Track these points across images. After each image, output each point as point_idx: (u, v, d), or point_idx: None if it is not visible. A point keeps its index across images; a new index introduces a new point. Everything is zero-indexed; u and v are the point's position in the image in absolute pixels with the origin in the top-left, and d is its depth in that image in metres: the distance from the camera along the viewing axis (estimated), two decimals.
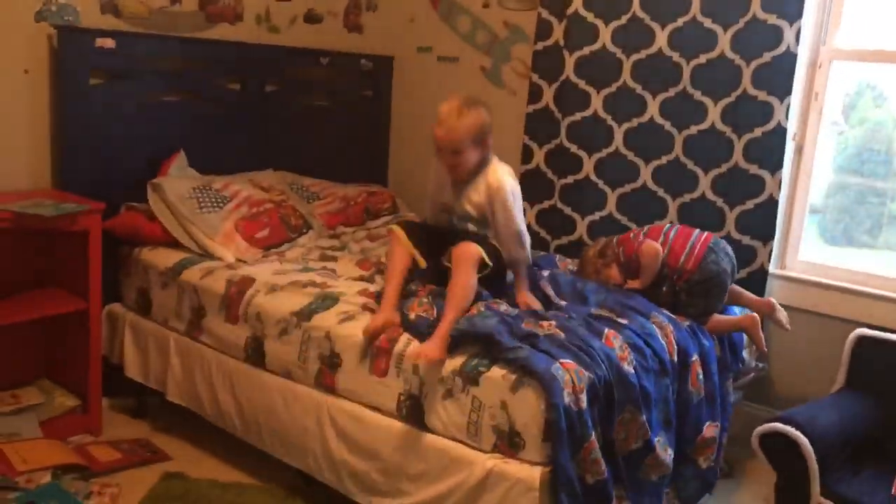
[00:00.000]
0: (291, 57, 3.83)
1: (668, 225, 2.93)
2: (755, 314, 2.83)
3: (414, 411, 2.32)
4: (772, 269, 3.17)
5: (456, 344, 2.29)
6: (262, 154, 3.71)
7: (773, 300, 2.94)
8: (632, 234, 2.93)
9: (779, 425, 2.44)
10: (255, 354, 2.70)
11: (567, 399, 2.07)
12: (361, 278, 2.92)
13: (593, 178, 3.47)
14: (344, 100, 4.11)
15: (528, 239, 2.69)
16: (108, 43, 3.12)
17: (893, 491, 2.42)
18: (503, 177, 2.61)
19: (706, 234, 2.84)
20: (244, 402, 2.73)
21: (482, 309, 2.44)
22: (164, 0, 3.38)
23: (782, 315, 2.90)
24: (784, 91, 3.00)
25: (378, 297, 2.62)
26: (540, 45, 3.57)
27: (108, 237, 3.07)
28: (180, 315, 2.96)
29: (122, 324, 3.19)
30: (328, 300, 2.64)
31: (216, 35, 3.57)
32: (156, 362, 3.07)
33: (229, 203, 3.23)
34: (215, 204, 3.19)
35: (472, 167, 2.63)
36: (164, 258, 3.08)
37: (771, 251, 3.12)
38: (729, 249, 2.84)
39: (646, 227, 2.94)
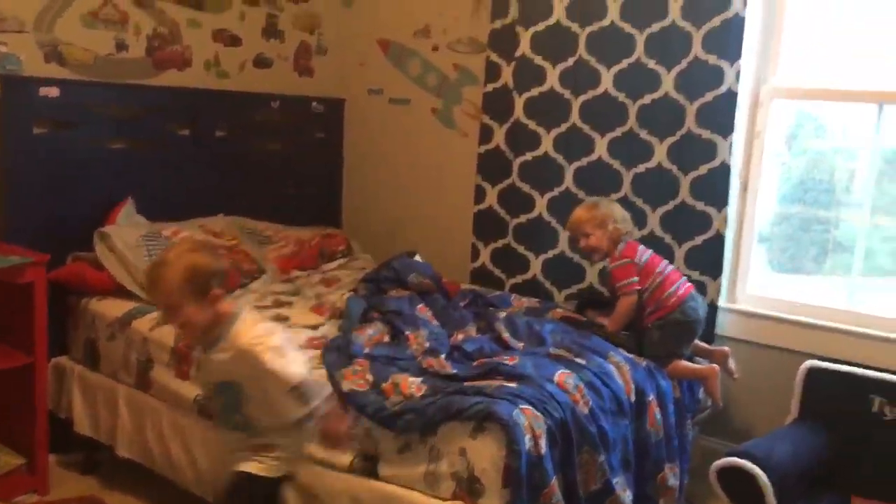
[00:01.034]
0: (241, 101, 3.81)
1: (665, 263, 2.97)
2: (716, 366, 2.87)
3: (368, 467, 2.28)
4: (722, 303, 3.22)
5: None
6: (214, 199, 3.67)
7: (728, 349, 3.00)
8: (637, 254, 2.91)
9: (735, 459, 2.46)
10: (206, 412, 2.62)
11: (528, 444, 2.06)
12: (315, 326, 2.89)
13: (546, 216, 3.50)
14: (296, 142, 4.10)
15: (313, 390, 2.00)
16: (53, 92, 3.08)
17: None
18: (255, 331, 1.97)
19: (689, 284, 2.93)
20: (198, 455, 2.66)
21: (414, 390, 2.30)
22: (109, 47, 3.35)
23: (733, 364, 2.98)
24: (727, 129, 3.07)
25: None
26: (489, 87, 3.62)
27: (55, 288, 3.00)
28: (128, 368, 2.89)
29: (70, 377, 3.12)
30: None
31: (164, 82, 3.54)
32: (105, 416, 2.99)
33: None
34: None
35: (202, 325, 2.00)
36: (113, 308, 3.02)
37: (720, 286, 3.18)
38: (705, 306, 2.92)
39: (648, 253, 2.95)
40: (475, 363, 2.53)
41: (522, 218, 3.56)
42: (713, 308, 3.17)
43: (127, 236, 3.12)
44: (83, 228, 3.14)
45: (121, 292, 3.06)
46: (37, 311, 2.84)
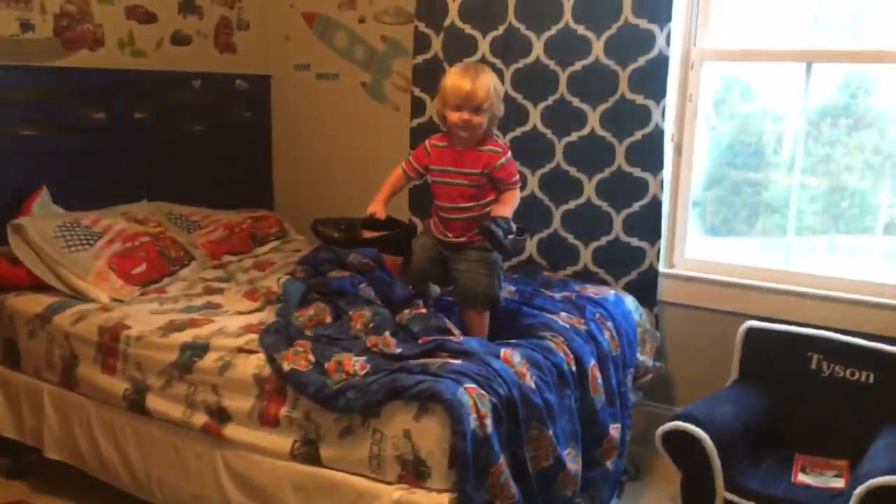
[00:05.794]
0: (160, 81, 3.64)
1: None
2: None
3: (310, 454, 2.22)
4: (661, 268, 3.22)
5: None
6: (136, 185, 3.51)
7: None
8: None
9: (679, 423, 2.48)
10: (137, 406, 2.53)
11: (473, 424, 2.02)
12: (250, 312, 2.78)
13: None
14: (221, 123, 3.95)
15: None
16: None
17: (793, 479, 2.49)
18: None
19: None
20: (131, 454, 2.55)
21: (358, 368, 2.25)
22: (13, 28, 3.15)
23: None
24: (660, 94, 3.05)
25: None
26: (419, 59, 3.53)
27: None
28: (52, 365, 2.75)
29: None
30: (198, 349, 2.45)
31: (75, 62, 3.35)
32: (30, 417, 2.84)
33: (101, 239, 3.03)
34: (85, 241, 2.98)
35: None
36: (32, 304, 2.86)
37: (659, 251, 3.17)
38: None
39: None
40: (420, 341, 2.47)
41: None
42: (653, 273, 3.18)
43: (43, 227, 2.95)
44: None
45: (39, 287, 2.91)
46: None
